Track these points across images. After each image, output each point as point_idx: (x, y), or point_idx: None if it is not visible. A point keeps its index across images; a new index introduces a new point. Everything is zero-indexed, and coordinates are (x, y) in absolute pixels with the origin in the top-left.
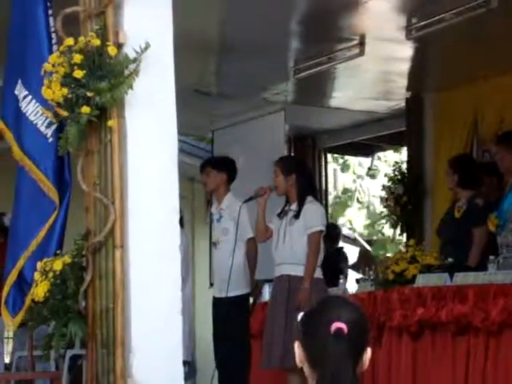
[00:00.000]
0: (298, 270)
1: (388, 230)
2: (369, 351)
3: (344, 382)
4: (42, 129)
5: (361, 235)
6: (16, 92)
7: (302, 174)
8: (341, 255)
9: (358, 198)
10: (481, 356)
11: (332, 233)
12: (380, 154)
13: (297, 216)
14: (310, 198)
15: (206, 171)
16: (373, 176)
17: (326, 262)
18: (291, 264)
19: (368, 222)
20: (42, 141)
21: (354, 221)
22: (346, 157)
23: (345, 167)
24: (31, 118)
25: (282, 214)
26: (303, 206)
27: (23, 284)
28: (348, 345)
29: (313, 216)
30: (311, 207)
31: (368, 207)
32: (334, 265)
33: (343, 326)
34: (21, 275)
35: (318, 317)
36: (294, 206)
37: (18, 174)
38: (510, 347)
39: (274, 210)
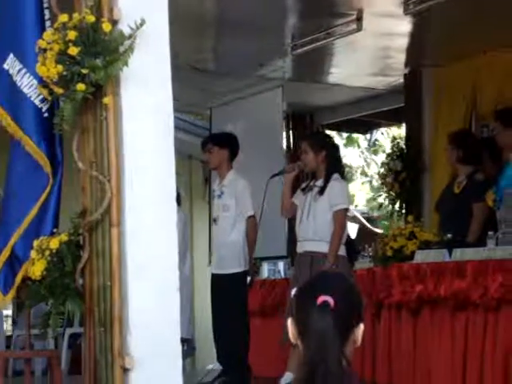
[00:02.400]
0: (321, 247)
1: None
2: (361, 327)
3: (329, 356)
4: (37, 102)
5: (362, 213)
6: (5, 66)
7: (332, 150)
8: None
9: (363, 172)
10: (479, 331)
11: None
12: (383, 129)
13: (321, 192)
14: (335, 176)
15: (208, 148)
16: (375, 152)
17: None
18: (314, 241)
19: (370, 195)
20: (37, 114)
21: (356, 195)
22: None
23: (349, 142)
24: (25, 90)
25: (306, 189)
26: (328, 183)
27: (14, 262)
28: (335, 319)
29: (338, 193)
30: (336, 184)
31: (371, 181)
32: None
33: (329, 299)
34: (13, 253)
35: (306, 291)
36: (319, 182)
37: (12, 150)
38: (508, 322)
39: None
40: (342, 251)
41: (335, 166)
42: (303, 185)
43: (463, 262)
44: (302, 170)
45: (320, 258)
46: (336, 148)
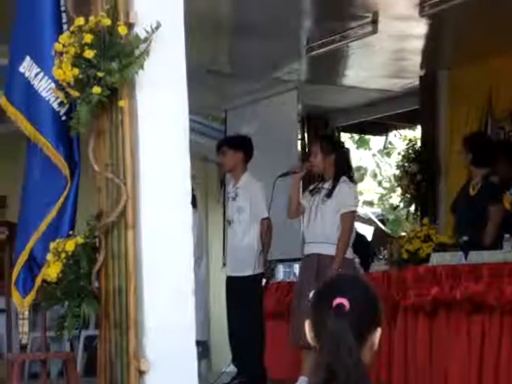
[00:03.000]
0: (328, 249)
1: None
2: (379, 331)
3: (344, 361)
4: (55, 106)
5: (377, 215)
6: (21, 69)
7: (341, 154)
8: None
9: (374, 174)
10: (495, 334)
11: None
12: (396, 131)
13: (329, 195)
14: (343, 178)
15: (223, 151)
16: (388, 154)
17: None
18: (321, 243)
19: (379, 195)
20: (55, 118)
21: (366, 193)
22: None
23: (361, 144)
24: (44, 94)
25: (314, 191)
26: (337, 186)
27: (33, 265)
28: (350, 322)
29: (346, 196)
30: (344, 187)
31: (380, 182)
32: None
33: (345, 301)
34: (31, 256)
35: (322, 293)
36: (327, 185)
37: (29, 154)
38: None
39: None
40: (349, 254)
41: (344, 170)
42: (311, 186)
43: (479, 265)
44: (310, 170)
45: (327, 260)
46: (346, 153)
